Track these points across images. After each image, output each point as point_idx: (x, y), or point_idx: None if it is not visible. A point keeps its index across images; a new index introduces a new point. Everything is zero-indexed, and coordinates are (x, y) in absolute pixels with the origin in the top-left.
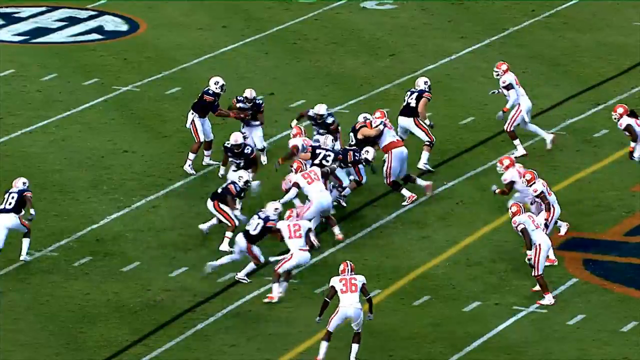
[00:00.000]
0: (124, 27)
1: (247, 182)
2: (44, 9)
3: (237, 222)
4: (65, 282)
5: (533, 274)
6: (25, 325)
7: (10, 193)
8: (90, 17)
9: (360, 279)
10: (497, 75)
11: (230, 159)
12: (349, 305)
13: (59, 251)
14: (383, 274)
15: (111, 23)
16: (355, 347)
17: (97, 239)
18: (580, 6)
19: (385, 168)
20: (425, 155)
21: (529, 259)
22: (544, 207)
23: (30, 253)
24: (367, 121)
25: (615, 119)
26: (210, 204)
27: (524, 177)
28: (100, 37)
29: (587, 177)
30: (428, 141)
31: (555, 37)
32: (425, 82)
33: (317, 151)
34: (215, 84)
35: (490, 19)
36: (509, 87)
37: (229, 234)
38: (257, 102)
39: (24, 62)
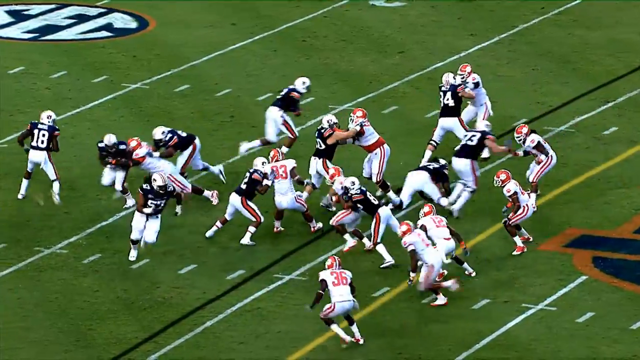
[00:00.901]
0: (133, 25)
1: (266, 163)
2: (53, 6)
3: (262, 219)
4: (75, 279)
5: (419, 288)
6: (34, 322)
7: (40, 130)
8: (100, 15)
9: (348, 274)
10: (463, 77)
11: (150, 201)
12: (345, 300)
13: (69, 248)
14: (391, 273)
15: (120, 20)
16: (354, 327)
17: (106, 236)
18: (590, 3)
19: (378, 164)
20: None
21: (410, 280)
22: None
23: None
24: (335, 126)
25: (520, 140)
26: (237, 199)
27: (498, 177)
28: (109, 34)
29: (597, 174)
30: None
31: (565, 35)
32: (454, 77)
33: (465, 134)
34: (303, 83)
35: (500, 17)
36: (477, 84)
37: (252, 228)
38: (120, 148)
39: (33, 59)
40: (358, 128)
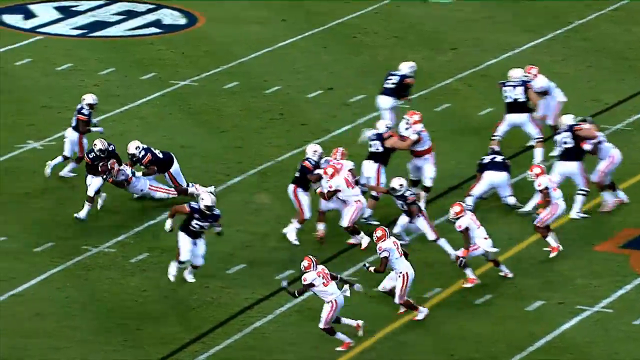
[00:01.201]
0: (182, 21)
1: (321, 154)
2: (102, 2)
3: (307, 216)
4: (122, 279)
5: (396, 301)
6: (82, 321)
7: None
8: (149, 11)
9: (325, 268)
10: (529, 80)
11: (194, 222)
12: (338, 294)
13: (116, 247)
14: (444, 272)
15: (169, 17)
16: (345, 319)
17: (154, 236)
18: None
19: (433, 169)
20: (540, 151)
21: (366, 265)
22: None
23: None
24: (391, 130)
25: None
26: (290, 188)
27: (531, 171)
28: (158, 30)
29: None
30: (541, 138)
31: (621, 31)
32: (524, 74)
33: (556, 139)
34: (411, 67)
35: (555, 12)
36: (545, 92)
37: (296, 223)
38: (111, 149)
39: (81, 56)
40: (415, 137)
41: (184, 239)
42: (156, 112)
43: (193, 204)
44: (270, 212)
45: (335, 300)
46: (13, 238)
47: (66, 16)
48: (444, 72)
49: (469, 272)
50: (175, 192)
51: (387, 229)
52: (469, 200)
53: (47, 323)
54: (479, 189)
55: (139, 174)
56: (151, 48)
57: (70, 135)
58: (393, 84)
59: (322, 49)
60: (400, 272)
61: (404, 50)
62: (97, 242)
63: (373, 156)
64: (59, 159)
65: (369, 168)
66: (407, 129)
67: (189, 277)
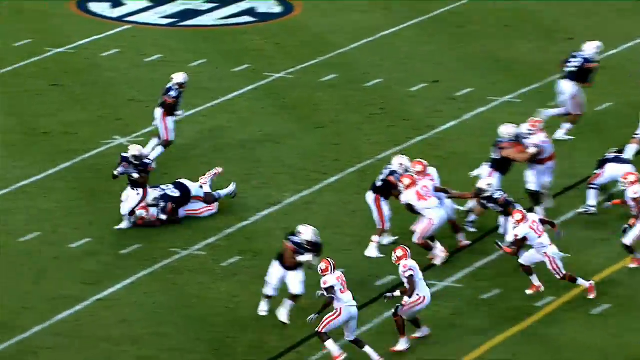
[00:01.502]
0: (278, 9)
1: (407, 167)
2: None
3: (388, 226)
4: (213, 284)
5: (395, 311)
6: (170, 328)
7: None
8: None
9: (342, 275)
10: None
11: (298, 256)
12: (352, 305)
13: (207, 250)
14: (556, 280)
15: (264, 5)
16: (367, 348)
17: (246, 238)
18: None
19: (550, 180)
20: None
21: (403, 305)
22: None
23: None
24: (512, 141)
25: None
26: (371, 197)
27: (625, 179)
28: (252, 19)
29: None
30: None
31: None
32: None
33: None
34: (596, 48)
35: None
36: None
37: (375, 237)
38: (145, 162)
39: (171, 46)
40: (534, 151)
41: (274, 270)
42: (249, 106)
43: (293, 238)
44: (368, 213)
45: (341, 308)
46: (98, 240)
47: (155, 4)
48: (559, 63)
49: (580, 281)
50: (213, 205)
51: (407, 248)
52: (591, 198)
53: (133, 329)
54: (600, 180)
55: (163, 216)
56: (244, 38)
57: (157, 114)
58: (575, 67)
59: (427, 39)
60: (418, 295)
61: (516, 40)
62: (185, 244)
63: (492, 163)
64: (155, 141)
65: (484, 171)
66: (526, 138)
67: (263, 307)
